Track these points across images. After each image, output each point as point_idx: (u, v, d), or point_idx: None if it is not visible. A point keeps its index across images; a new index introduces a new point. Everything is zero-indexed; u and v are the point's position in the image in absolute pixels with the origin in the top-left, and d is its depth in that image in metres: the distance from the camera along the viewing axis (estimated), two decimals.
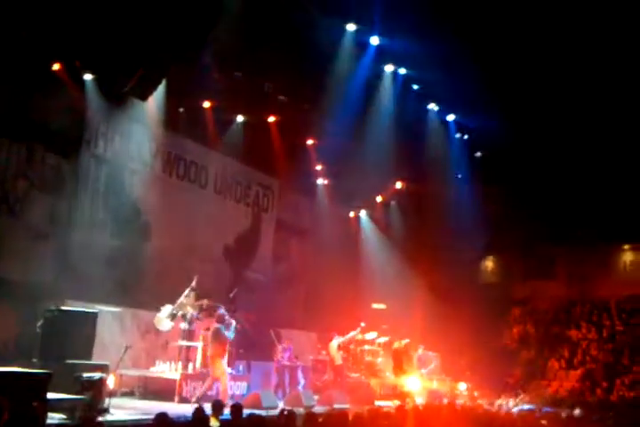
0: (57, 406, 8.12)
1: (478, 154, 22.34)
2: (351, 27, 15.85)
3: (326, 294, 18.55)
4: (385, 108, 17.88)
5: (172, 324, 12.08)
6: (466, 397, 17.13)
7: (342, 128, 16.75)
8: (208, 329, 12.74)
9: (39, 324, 10.08)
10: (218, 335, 11.68)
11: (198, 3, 13.76)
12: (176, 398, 11.39)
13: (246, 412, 8.29)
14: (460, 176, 21.71)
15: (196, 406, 7.84)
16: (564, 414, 13.04)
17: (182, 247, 14.65)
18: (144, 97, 14.46)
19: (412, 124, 19.16)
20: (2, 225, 11.69)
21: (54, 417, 8.04)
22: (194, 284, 12.70)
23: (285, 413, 8.06)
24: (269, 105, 17.10)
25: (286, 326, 16.26)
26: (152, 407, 9.42)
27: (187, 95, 15.16)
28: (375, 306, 19.05)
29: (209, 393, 11.53)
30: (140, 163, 14.75)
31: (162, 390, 11.50)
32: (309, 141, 18.95)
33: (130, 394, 11.20)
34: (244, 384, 12.59)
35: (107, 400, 9.15)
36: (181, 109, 15.51)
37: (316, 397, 13.41)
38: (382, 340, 17.29)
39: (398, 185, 21.58)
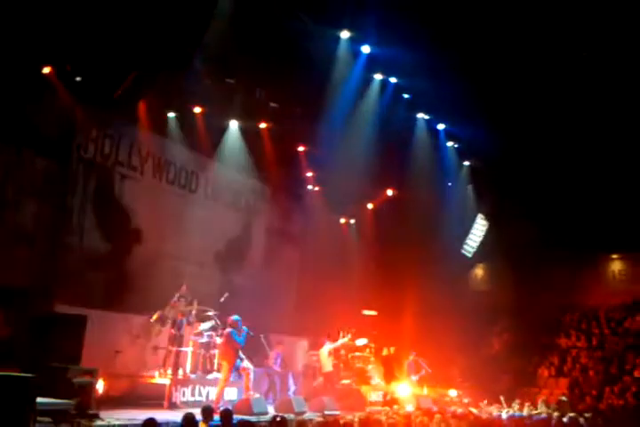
0: (46, 410, 8.01)
1: (467, 163, 22.45)
2: (344, 35, 15.92)
3: (317, 300, 18.51)
4: (375, 117, 17.95)
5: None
6: (456, 404, 17.08)
7: (333, 135, 16.78)
8: (198, 335, 12.69)
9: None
10: (229, 340, 11.65)
11: (190, 8, 13.79)
12: (165, 404, 11.31)
13: (236, 417, 8.25)
14: (450, 184, 21.79)
15: (185, 411, 7.77)
16: (554, 422, 13.03)
17: (172, 252, 14.59)
18: (135, 102, 14.46)
19: (402, 132, 19.24)
20: None
21: (43, 421, 7.94)
22: (183, 289, 12.65)
23: (277, 419, 8.02)
24: (261, 111, 17.13)
25: (277, 331, 16.20)
26: (141, 413, 9.32)
27: (178, 100, 15.14)
28: (366, 312, 19.03)
29: (198, 398, 11.45)
30: (130, 168, 14.69)
31: (151, 396, 11.41)
32: (300, 148, 18.98)
33: (119, 399, 11.07)
34: (234, 390, 12.49)
35: (95, 405, 9.07)
36: (172, 115, 15.47)
37: (306, 403, 13.33)
38: (372, 345, 17.23)
39: (389, 193, 21.62)
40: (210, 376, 12.69)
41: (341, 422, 8.83)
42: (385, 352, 17.79)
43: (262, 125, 17.49)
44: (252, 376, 12.24)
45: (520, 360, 22.03)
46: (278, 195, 19.23)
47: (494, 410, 16.04)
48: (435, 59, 15.58)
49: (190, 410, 8.17)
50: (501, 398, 17.72)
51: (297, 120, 17.35)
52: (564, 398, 17.21)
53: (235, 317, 12.00)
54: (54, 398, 8.57)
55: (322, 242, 19.82)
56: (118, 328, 12.30)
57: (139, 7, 12.63)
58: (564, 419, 13.55)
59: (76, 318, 10.29)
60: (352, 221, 21.98)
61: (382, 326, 18.49)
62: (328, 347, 15.18)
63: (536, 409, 16.72)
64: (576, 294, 23.40)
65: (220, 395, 11.64)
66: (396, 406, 14.17)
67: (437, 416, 11.65)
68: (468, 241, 23.04)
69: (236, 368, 11.80)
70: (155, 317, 12.19)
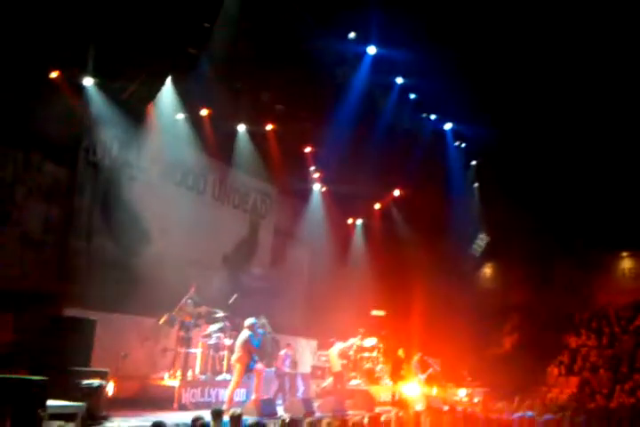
0: (56, 413, 8.06)
1: (474, 162, 22.44)
2: (349, 36, 15.94)
3: (326, 301, 18.55)
4: (382, 117, 17.97)
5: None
6: (466, 403, 17.08)
7: (340, 136, 16.81)
8: (206, 336, 12.74)
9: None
10: (245, 342, 11.72)
11: (196, 11, 13.86)
12: (175, 405, 11.36)
13: (246, 419, 8.26)
14: (458, 184, 21.76)
15: (195, 413, 7.80)
16: (565, 422, 13.00)
17: (181, 253, 14.62)
18: (143, 104, 14.53)
19: (409, 132, 19.26)
20: None
21: (54, 424, 7.98)
22: (192, 292, 12.70)
23: (287, 420, 8.02)
24: (267, 113, 17.20)
25: (286, 332, 16.23)
26: (151, 415, 9.36)
27: (185, 103, 15.19)
28: (374, 313, 19.04)
29: (207, 400, 11.50)
30: (139, 170, 14.74)
31: (161, 398, 11.46)
32: (307, 149, 19.01)
33: (129, 401, 11.13)
34: (243, 391, 12.53)
35: (106, 407, 9.12)
36: (179, 117, 15.52)
37: (315, 404, 13.36)
38: (381, 346, 17.25)
39: (396, 193, 21.62)
40: (219, 377, 12.74)
41: (351, 422, 8.84)
42: (401, 353, 17.80)
43: (269, 127, 17.53)
44: (262, 377, 12.29)
45: (530, 359, 21.96)
46: (286, 196, 19.26)
47: (504, 409, 16.03)
48: (440, 59, 15.63)
49: (200, 412, 8.19)
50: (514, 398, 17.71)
51: (303, 121, 17.42)
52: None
53: (252, 320, 12.06)
54: (65, 400, 8.62)
55: (330, 243, 19.87)
56: (127, 331, 12.36)
57: (146, 10, 12.72)
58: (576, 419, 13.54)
59: (85, 322, 10.32)
60: (360, 221, 21.99)
61: (391, 327, 18.50)
62: (337, 347, 15.19)
63: (546, 408, 16.72)
64: (586, 293, 23.31)
65: (231, 396, 11.68)
66: (405, 406, 14.19)
67: (447, 416, 11.67)
68: (477, 240, 23.00)
69: (248, 370, 11.85)
70: (163, 319, 12.25)
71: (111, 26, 12.38)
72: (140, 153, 14.71)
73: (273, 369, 13.99)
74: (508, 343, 23.56)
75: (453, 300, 21.08)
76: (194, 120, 15.67)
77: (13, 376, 8.31)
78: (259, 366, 12.10)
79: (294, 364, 14.72)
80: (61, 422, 8.14)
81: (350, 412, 12.99)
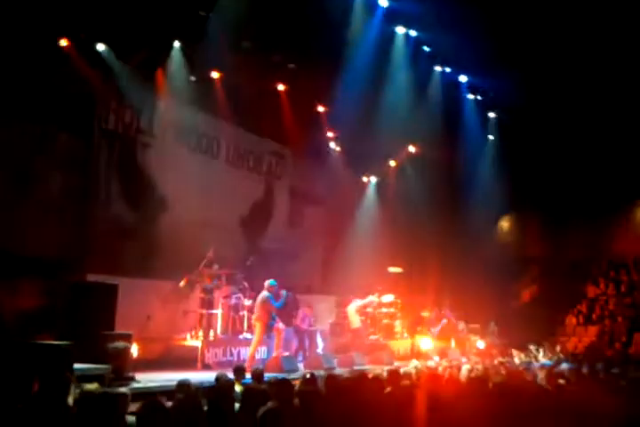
0: (84, 375, 8.42)
1: (492, 115, 22.18)
2: None
3: (343, 259, 18.77)
4: (396, 71, 17.76)
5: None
6: (485, 355, 17.39)
7: (353, 93, 16.68)
8: (227, 297, 13.07)
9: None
10: (264, 303, 12.04)
11: None
12: (198, 365, 11.75)
13: (268, 375, 8.57)
14: (474, 138, 21.59)
15: (218, 371, 8.09)
16: (584, 370, 13.22)
17: (198, 218, 14.83)
18: (153, 70, 14.56)
19: (423, 86, 19.04)
20: (19, 204, 11.92)
21: (82, 387, 8.34)
22: (210, 254, 12.97)
23: (307, 376, 8.29)
24: (279, 73, 17.08)
25: (304, 291, 16.51)
26: (175, 374, 9.71)
27: (195, 66, 15.18)
28: (391, 269, 19.23)
29: (229, 358, 11.88)
30: (152, 136, 14.87)
31: (185, 358, 11.85)
32: (320, 108, 18.92)
33: (153, 362, 11.53)
34: (264, 349, 12.90)
35: (131, 368, 9.48)
36: (191, 80, 15.51)
37: (335, 359, 13.71)
38: (398, 301, 17.52)
39: (411, 149, 21.53)
40: (240, 337, 13.11)
41: (370, 376, 9.11)
42: (426, 314, 18.10)
43: (281, 87, 17.45)
44: (282, 336, 12.64)
45: (548, 310, 22.19)
46: (300, 157, 19.26)
47: (523, 360, 16.32)
48: (453, 9, 15.29)
49: (222, 370, 8.45)
50: (531, 348, 18.00)
51: (316, 80, 17.24)
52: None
53: (271, 281, 12.36)
54: (91, 363, 9.00)
55: (346, 201, 19.97)
56: (149, 294, 12.66)
57: None
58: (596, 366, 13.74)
59: (107, 287, 10.64)
60: (375, 179, 21.99)
61: (408, 283, 18.71)
62: (355, 304, 15.48)
63: (564, 357, 16.98)
64: (604, 242, 23.31)
65: (253, 355, 12.05)
66: (423, 359, 14.50)
67: (466, 367, 11.92)
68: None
69: (269, 329, 12.20)
70: (183, 282, 12.58)
71: None
72: (152, 119, 14.82)
73: (292, 328, 14.34)
74: (527, 295, 23.76)
75: (471, 254, 21.19)
76: (205, 83, 15.66)
77: (40, 342, 8.70)
78: (279, 324, 12.44)
79: (313, 323, 15.05)
80: (89, 384, 8.52)
81: (369, 366, 13.33)
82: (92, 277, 11.25)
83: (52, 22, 12.11)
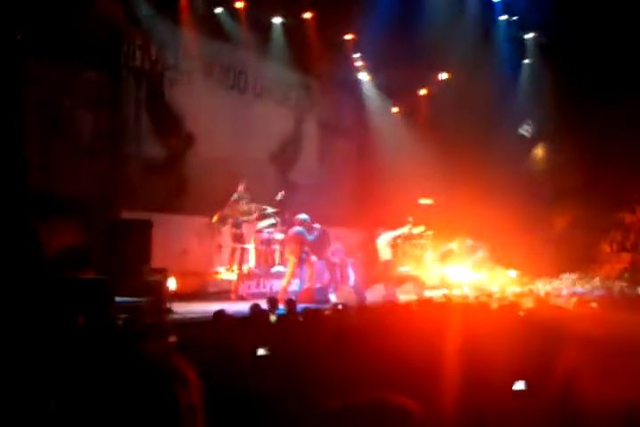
0: (124, 307, 8.75)
1: (530, 35, 21.33)
2: None
3: (374, 191, 18.76)
4: None
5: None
6: (516, 283, 17.51)
7: (381, 20, 16.25)
8: (258, 232, 13.28)
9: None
10: (297, 237, 12.22)
11: None
12: (233, 296, 12.08)
13: (300, 306, 8.79)
14: (508, 62, 20.92)
15: (252, 302, 8.32)
16: (615, 296, 13.28)
17: (227, 154, 14.86)
18: (176, 2, 14.30)
19: (454, 9, 18.41)
20: (50, 144, 12.05)
21: (122, 319, 8.67)
22: (240, 189, 13.09)
23: (339, 306, 8.49)
24: (305, 1, 16.64)
25: (335, 224, 16.62)
26: (210, 306, 10.00)
27: None
28: (422, 201, 19.16)
29: (262, 291, 12.18)
30: (178, 72, 14.76)
31: (220, 290, 12.20)
32: (348, 36, 18.45)
33: (190, 295, 11.89)
34: (296, 281, 13.18)
35: (169, 301, 9.80)
36: (215, 11, 15.22)
37: (366, 291, 13.95)
38: (429, 233, 17.58)
39: (443, 76, 20.99)
40: (273, 270, 13.39)
41: (401, 306, 9.28)
42: (455, 247, 18.15)
43: (307, 15, 17.02)
44: (315, 269, 12.88)
45: (582, 238, 22.07)
46: (329, 88, 18.96)
47: (555, 287, 16.42)
48: None
49: (256, 301, 8.70)
50: (563, 276, 18.04)
51: (343, 7, 16.77)
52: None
53: (303, 216, 12.48)
54: (130, 297, 9.32)
55: (376, 133, 19.76)
56: (183, 229, 12.93)
57: None
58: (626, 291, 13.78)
59: (142, 223, 10.88)
60: (405, 109, 21.60)
61: (439, 214, 18.66)
62: (386, 236, 15.56)
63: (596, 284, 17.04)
64: None
65: (286, 287, 12.33)
66: (454, 290, 14.69)
67: (498, 295, 12.07)
68: (523, 126, 22.45)
69: (301, 262, 12.42)
70: (215, 217, 12.78)
71: None
72: (178, 55, 14.67)
73: (324, 261, 14.56)
74: (561, 224, 23.57)
75: (504, 183, 20.95)
76: (229, 15, 15.36)
77: (82, 277, 9.01)
78: (311, 257, 12.65)
79: (344, 255, 15.24)
80: (129, 316, 8.86)
81: (401, 296, 13.56)
82: (126, 215, 11.48)
83: None
